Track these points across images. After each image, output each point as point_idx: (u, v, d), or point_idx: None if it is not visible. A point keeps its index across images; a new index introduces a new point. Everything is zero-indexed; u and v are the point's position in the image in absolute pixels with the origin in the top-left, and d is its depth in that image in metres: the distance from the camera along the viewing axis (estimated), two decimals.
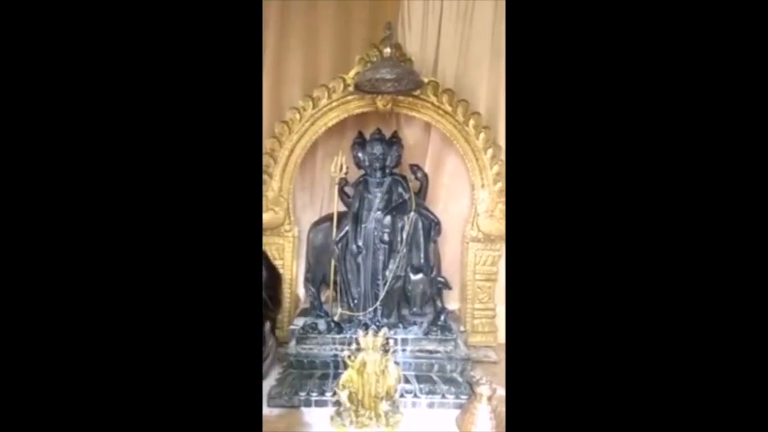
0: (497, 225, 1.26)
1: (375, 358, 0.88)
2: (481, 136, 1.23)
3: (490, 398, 0.90)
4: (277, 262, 1.25)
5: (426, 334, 1.14)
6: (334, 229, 1.18)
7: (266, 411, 0.99)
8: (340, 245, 1.18)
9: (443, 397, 1.03)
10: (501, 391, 0.94)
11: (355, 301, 1.18)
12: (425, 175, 1.24)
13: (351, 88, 1.19)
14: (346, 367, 0.90)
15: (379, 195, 1.19)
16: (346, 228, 1.18)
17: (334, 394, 0.96)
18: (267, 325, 1.16)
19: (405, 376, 1.03)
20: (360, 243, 1.18)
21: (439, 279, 1.21)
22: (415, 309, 1.19)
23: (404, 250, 1.16)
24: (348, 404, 0.89)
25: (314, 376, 1.06)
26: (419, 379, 1.07)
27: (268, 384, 1.05)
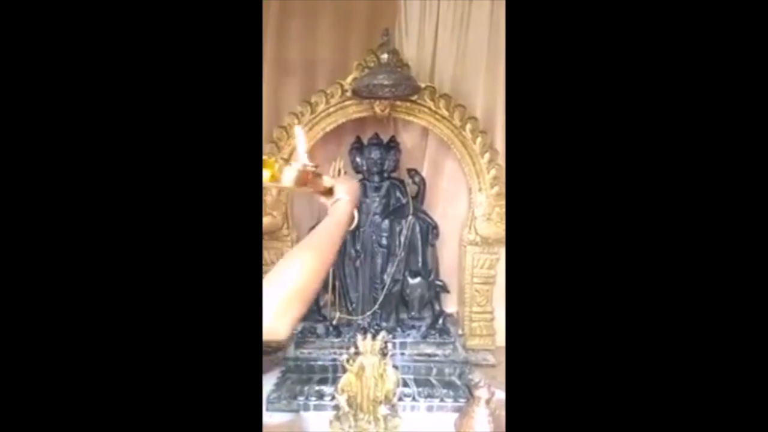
0: (495, 228, 1.26)
1: (373, 361, 0.88)
2: (478, 140, 1.24)
3: (488, 401, 0.91)
4: None
5: (424, 337, 1.14)
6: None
7: (265, 416, 0.99)
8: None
9: (442, 400, 1.04)
10: (499, 395, 0.94)
11: (354, 305, 1.19)
12: (423, 180, 1.24)
13: (349, 94, 1.20)
14: (344, 371, 0.90)
15: (377, 199, 1.19)
16: None
17: (333, 398, 0.97)
18: None
19: (403, 379, 1.04)
20: (358, 247, 1.18)
21: (438, 282, 1.21)
22: (413, 313, 1.20)
23: (402, 254, 1.16)
24: (347, 408, 0.89)
25: (313, 381, 1.06)
26: (418, 382, 1.07)
27: (266, 388, 1.06)
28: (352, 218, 0.73)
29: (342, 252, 1.19)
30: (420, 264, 1.19)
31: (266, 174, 0.66)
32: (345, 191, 0.74)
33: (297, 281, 0.60)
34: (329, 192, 0.75)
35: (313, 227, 1.26)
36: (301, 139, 0.73)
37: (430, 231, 1.20)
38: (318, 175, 0.73)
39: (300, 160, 0.70)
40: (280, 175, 0.67)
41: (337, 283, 1.19)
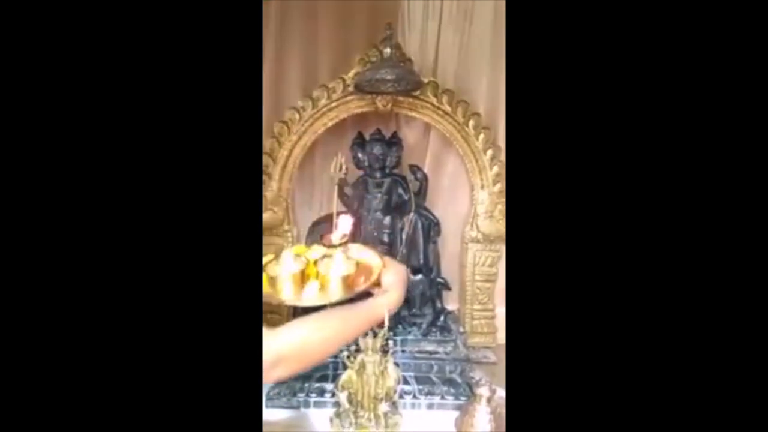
0: (497, 226, 1.26)
1: (374, 359, 0.88)
2: (481, 136, 1.23)
3: (489, 399, 0.90)
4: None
5: (425, 335, 1.14)
6: (333, 230, 1.17)
7: (264, 412, 0.98)
8: None
9: (442, 398, 1.03)
10: (501, 393, 0.93)
11: None
12: (425, 176, 1.23)
13: (351, 89, 1.19)
14: (345, 368, 0.90)
15: (378, 195, 1.18)
16: None
17: (333, 395, 0.96)
18: None
19: (404, 377, 1.03)
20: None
21: (439, 280, 1.21)
22: (414, 310, 1.19)
23: (404, 251, 1.15)
24: (347, 405, 0.89)
25: (313, 377, 1.06)
26: (418, 380, 1.07)
27: (266, 385, 1.05)
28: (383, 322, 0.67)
29: None
30: (421, 261, 1.18)
31: (314, 287, 0.61)
32: (393, 282, 0.68)
33: (302, 341, 0.58)
34: (377, 284, 0.70)
35: (313, 223, 1.28)
36: (345, 225, 0.67)
37: (431, 228, 1.19)
38: (362, 270, 0.66)
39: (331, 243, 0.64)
40: (327, 284, 0.62)
41: None
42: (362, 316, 0.65)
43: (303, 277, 0.63)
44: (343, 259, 0.64)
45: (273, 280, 0.62)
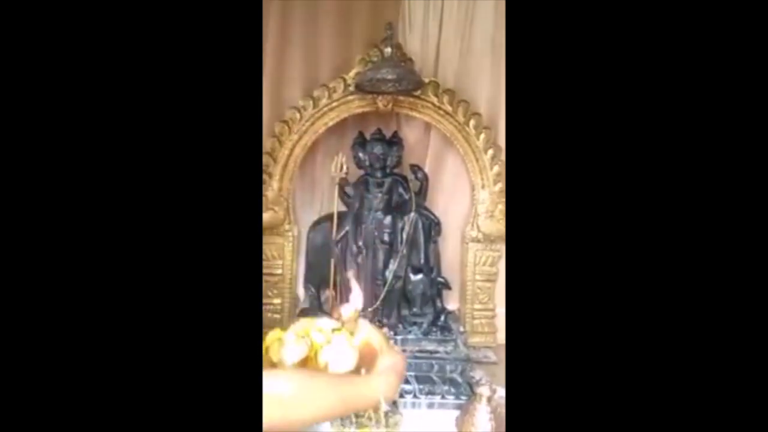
0: (497, 225, 1.26)
1: None
2: (482, 136, 1.23)
3: (489, 399, 0.90)
4: (277, 262, 1.25)
5: (426, 334, 1.14)
6: (334, 229, 1.18)
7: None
8: (340, 245, 1.18)
9: (443, 397, 1.03)
10: (501, 392, 0.93)
11: None
12: (425, 176, 1.23)
13: (351, 88, 1.19)
14: None
15: (379, 195, 1.19)
16: (346, 228, 1.18)
17: None
18: None
19: (405, 376, 1.03)
20: (360, 243, 1.18)
21: (439, 279, 1.21)
22: (415, 309, 1.19)
23: (404, 251, 1.16)
24: None
25: None
26: (419, 379, 1.07)
27: None
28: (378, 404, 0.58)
29: (344, 248, 1.18)
30: (422, 260, 1.18)
31: (301, 347, 0.56)
32: (389, 366, 0.60)
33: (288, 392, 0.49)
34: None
35: (314, 222, 1.28)
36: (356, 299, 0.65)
37: (432, 227, 1.19)
38: (364, 357, 0.59)
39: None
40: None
41: (338, 280, 1.19)
42: (356, 390, 0.57)
43: (306, 364, 0.60)
44: (346, 348, 0.60)
45: (275, 366, 0.58)
